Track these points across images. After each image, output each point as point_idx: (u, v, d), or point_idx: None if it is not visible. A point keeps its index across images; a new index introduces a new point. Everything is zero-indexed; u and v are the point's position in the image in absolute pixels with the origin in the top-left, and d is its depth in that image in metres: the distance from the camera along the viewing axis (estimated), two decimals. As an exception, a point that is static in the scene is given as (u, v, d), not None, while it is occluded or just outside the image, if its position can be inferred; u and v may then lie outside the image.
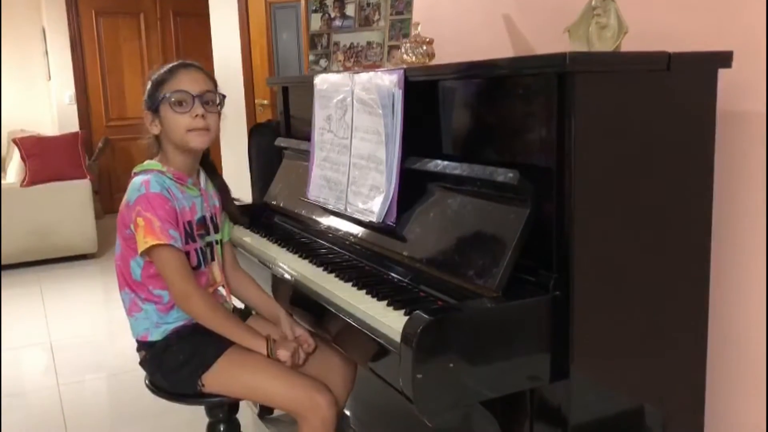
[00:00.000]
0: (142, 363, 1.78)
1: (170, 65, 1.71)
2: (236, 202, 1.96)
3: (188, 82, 1.67)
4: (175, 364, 1.68)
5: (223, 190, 1.87)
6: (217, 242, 1.82)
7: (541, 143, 1.31)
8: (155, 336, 1.71)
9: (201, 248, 1.74)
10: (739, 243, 1.50)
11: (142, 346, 1.75)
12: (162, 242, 1.59)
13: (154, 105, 1.68)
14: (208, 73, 1.75)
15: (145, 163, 1.72)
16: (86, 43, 6.55)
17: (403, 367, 1.20)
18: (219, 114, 1.72)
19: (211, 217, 1.79)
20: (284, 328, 1.77)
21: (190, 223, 1.70)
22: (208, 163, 1.85)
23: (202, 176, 1.80)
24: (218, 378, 1.66)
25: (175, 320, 1.71)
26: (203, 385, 1.66)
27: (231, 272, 1.88)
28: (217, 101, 1.71)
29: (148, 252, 1.61)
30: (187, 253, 1.68)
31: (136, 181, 1.66)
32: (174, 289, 1.64)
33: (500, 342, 1.27)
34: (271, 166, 2.48)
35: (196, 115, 1.65)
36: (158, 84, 1.68)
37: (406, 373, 1.19)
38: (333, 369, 1.78)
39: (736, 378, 1.55)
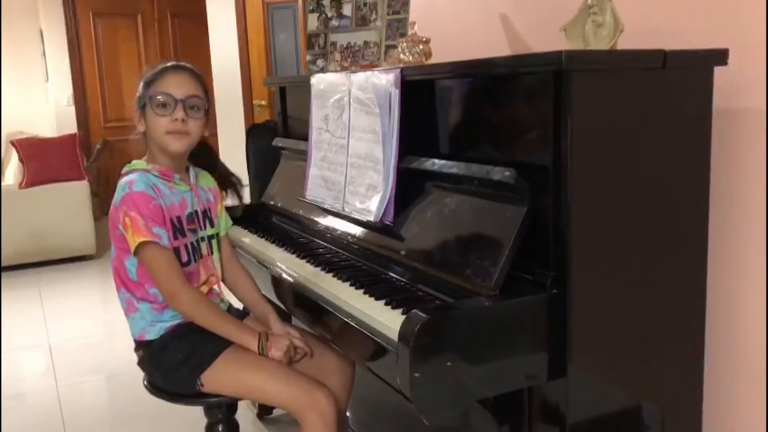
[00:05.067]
0: (140, 363, 1.78)
1: (162, 65, 1.73)
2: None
3: (174, 86, 1.68)
4: (173, 363, 1.68)
5: (225, 175, 1.91)
6: (212, 237, 1.82)
7: (538, 141, 1.32)
8: (151, 335, 1.71)
9: (192, 243, 1.74)
10: (735, 239, 1.51)
11: (140, 345, 1.75)
12: (147, 239, 1.61)
13: (141, 103, 1.71)
14: (200, 76, 1.75)
15: (132, 162, 1.73)
16: (84, 44, 6.54)
17: (401, 366, 1.20)
18: (205, 120, 1.73)
19: (204, 212, 1.79)
20: (274, 329, 1.77)
21: (179, 218, 1.70)
22: (209, 152, 1.88)
23: (192, 172, 1.80)
24: (217, 377, 1.66)
25: (170, 318, 1.71)
26: (202, 385, 1.66)
27: (227, 267, 1.88)
28: (204, 107, 1.72)
29: (137, 250, 1.63)
30: (177, 249, 1.68)
31: (122, 181, 1.67)
32: (161, 286, 1.65)
33: (498, 340, 1.27)
34: (268, 166, 2.48)
35: (176, 119, 1.66)
36: (148, 83, 1.70)
37: (403, 372, 1.19)
38: (331, 369, 1.78)
39: (734, 375, 1.55)
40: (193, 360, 1.66)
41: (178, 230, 1.70)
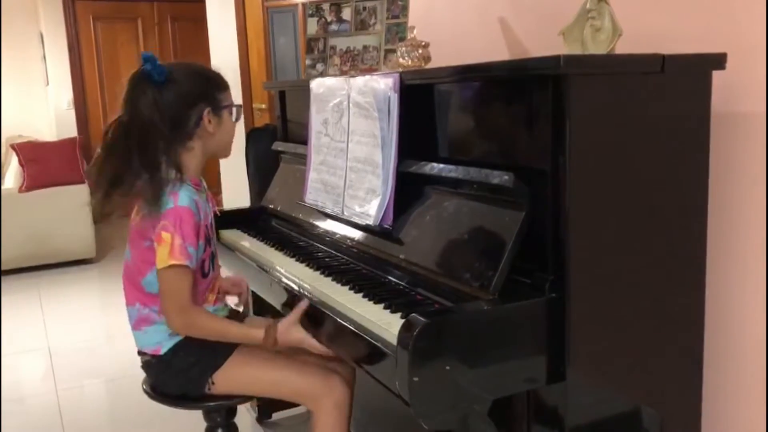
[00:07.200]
0: (146, 367, 1.75)
1: (215, 72, 1.72)
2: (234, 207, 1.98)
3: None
4: (184, 365, 1.66)
5: None
6: None
7: (537, 145, 1.32)
8: (167, 346, 1.68)
9: (213, 252, 1.73)
10: (735, 243, 1.51)
11: (152, 356, 1.71)
12: (181, 263, 1.56)
13: (215, 103, 1.67)
14: None
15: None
16: (84, 48, 6.56)
17: (400, 370, 1.20)
18: None
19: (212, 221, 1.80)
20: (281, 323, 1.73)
21: (207, 228, 1.69)
22: None
23: (202, 180, 1.80)
24: (229, 376, 1.66)
25: None
26: (213, 384, 1.66)
27: None
28: None
29: (165, 268, 1.57)
30: (203, 261, 1.67)
31: (164, 195, 1.58)
32: (170, 307, 1.59)
33: (497, 344, 1.27)
34: (268, 169, 2.48)
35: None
36: (219, 88, 1.69)
37: (402, 376, 1.19)
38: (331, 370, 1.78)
39: (733, 379, 1.55)
40: (205, 361, 1.65)
41: (208, 240, 1.68)
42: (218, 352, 1.66)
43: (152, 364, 1.72)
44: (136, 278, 1.67)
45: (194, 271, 1.62)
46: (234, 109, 1.72)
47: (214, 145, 1.70)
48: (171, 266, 1.56)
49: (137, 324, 1.71)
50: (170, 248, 1.55)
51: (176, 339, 1.68)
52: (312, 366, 1.66)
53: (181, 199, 1.58)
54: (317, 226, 2.02)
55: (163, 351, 1.68)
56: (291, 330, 1.60)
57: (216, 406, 1.74)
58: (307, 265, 1.85)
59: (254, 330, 1.64)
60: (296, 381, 1.65)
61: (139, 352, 1.75)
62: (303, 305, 1.61)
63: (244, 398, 1.76)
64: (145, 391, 1.77)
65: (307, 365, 1.67)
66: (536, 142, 1.32)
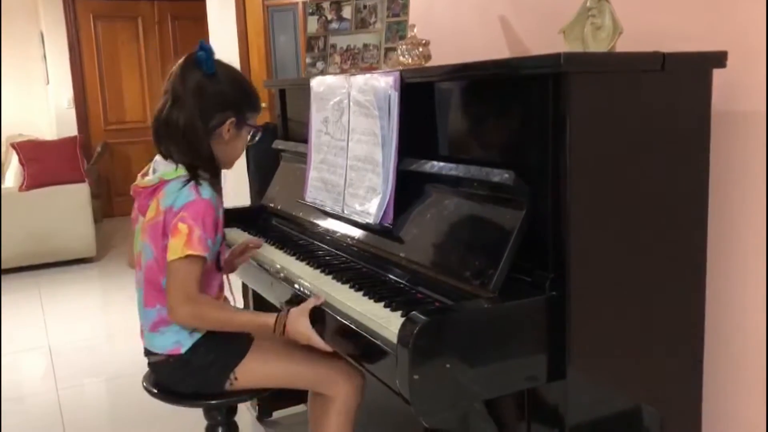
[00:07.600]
0: (156, 367, 1.72)
1: (256, 92, 1.75)
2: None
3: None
4: (204, 363, 1.65)
5: None
6: None
7: (537, 143, 1.32)
8: (187, 345, 1.65)
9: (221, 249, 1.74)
10: (735, 241, 1.51)
11: (168, 356, 1.68)
12: (198, 253, 1.54)
13: (242, 118, 1.69)
14: None
15: (179, 168, 1.62)
16: (84, 47, 6.56)
17: (400, 368, 1.20)
18: None
19: None
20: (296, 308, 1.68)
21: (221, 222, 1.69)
22: None
23: None
24: (250, 370, 1.66)
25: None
26: (236, 379, 1.65)
27: None
28: None
29: (179, 258, 1.54)
30: (218, 254, 1.69)
31: (185, 188, 1.58)
32: (182, 297, 1.56)
33: (497, 342, 1.27)
34: (268, 168, 2.48)
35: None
36: (251, 107, 1.71)
37: (402, 374, 1.19)
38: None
39: (734, 377, 1.55)
40: (225, 357, 1.65)
41: (223, 235, 1.70)
42: (237, 348, 1.66)
43: (166, 363, 1.68)
44: (157, 279, 1.63)
45: (208, 264, 1.62)
46: (253, 131, 1.74)
47: (221, 154, 1.69)
48: (187, 256, 1.53)
49: (155, 325, 1.67)
50: (187, 239, 1.53)
51: (196, 337, 1.65)
52: (327, 355, 1.64)
53: (203, 192, 1.58)
54: (317, 225, 2.02)
55: (183, 350, 1.65)
56: (300, 320, 1.56)
57: (216, 404, 1.74)
58: (308, 264, 1.85)
59: (263, 317, 1.62)
60: (315, 368, 1.67)
61: (148, 353, 1.72)
62: (319, 299, 1.58)
63: (263, 392, 1.75)
64: (147, 390, 1.76)
65: (323, 354, 1.63)
66: (536, 140, 1.32)
